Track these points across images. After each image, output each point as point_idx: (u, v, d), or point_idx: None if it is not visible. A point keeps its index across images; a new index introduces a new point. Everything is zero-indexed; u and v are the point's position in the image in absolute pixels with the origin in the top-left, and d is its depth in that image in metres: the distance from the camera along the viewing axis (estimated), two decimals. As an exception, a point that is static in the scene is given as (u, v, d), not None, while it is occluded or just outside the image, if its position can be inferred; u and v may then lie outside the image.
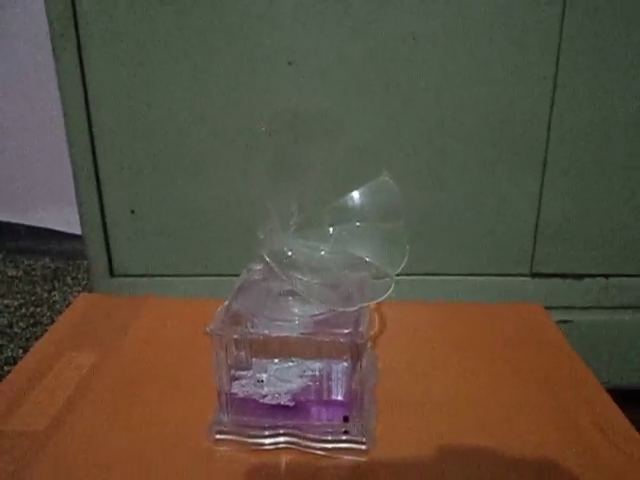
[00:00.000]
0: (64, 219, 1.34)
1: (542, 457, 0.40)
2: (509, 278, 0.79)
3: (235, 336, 0.39)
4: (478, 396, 0.47)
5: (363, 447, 0.40)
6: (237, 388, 0.41)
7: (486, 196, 0.75)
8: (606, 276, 0.79)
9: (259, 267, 0.44)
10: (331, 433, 0.40)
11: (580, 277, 0.79)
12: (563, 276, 0.79)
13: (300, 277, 0.39)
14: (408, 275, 0.72)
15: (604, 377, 0.51)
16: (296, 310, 0.40)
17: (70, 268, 1.27)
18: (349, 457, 0.40)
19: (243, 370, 0.41)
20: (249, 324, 0.39)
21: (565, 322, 0.77)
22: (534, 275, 0.79)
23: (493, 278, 0.79)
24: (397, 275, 0.40)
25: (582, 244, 0.77)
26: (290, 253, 0.40)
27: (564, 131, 0.73)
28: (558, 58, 0.70)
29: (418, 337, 0.55)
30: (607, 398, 0.46)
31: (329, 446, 0.40)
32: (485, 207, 0.76)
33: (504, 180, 0.75)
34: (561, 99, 0.71)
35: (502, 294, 0.78)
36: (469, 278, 0.79)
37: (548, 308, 0.60)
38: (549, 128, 0.73)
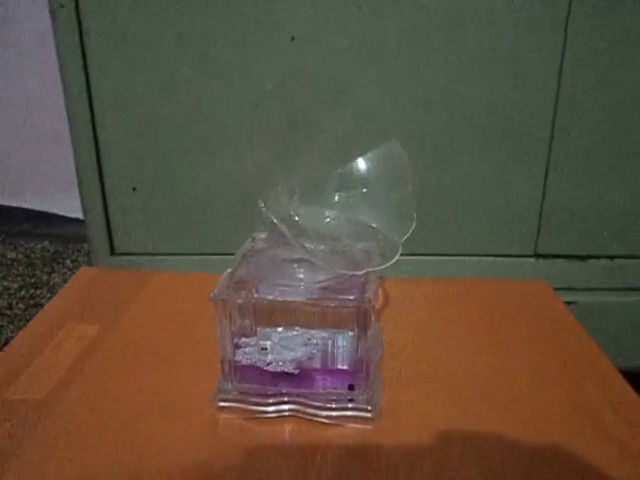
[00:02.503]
0: (64, 203, 1.33)
1: (552, 434, 0.39)
2: (513, 259, 0.78)
3: (239, 301, 0.38)
4: (484, 373, 0.46)
5: (369, 415, 0.39)
6: (241, 355, 0.40)
7: (492, 177, 0.74)
8: (611, 257, 0.78)
9: (263, 235, 0.43)
10: (336, 401, 0.39)
11: (584, 258, 0.78)
12: (567, 257, 0.78)
13: (308, 245, 0.38)
14: (413, 255, 0.72)
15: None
16: (302, 277, 0.39)
17: (70, 251, 1.26)
18: (354, 425, 0.39)
19: (247, 337, 0.40)
20: (254, 290, 0.38)
21: (569, 303, 0.77)
22: (538, 256, 0.78)
23: (497, 259, 0.78)
24: (401, 255, 0.39)
25: (587, 225, 0.77)
26: (297, 218, 0.39)
27: (570, 115, 0.72)
28: (564, 49, 0.69)
29: (423, 312, 0.55)
30: (617, 375, 0.45)
31: (334, 414, 0.39)
32: (490, 188, 0.75)
33: (510, 162, 0.74)
34: (567, 86, 0.71)
35: (506, 275, 0.78)
36: (473, 259, 0.78)
37: (552, 289, 0.60)
38: (555, 113, 0.72)
